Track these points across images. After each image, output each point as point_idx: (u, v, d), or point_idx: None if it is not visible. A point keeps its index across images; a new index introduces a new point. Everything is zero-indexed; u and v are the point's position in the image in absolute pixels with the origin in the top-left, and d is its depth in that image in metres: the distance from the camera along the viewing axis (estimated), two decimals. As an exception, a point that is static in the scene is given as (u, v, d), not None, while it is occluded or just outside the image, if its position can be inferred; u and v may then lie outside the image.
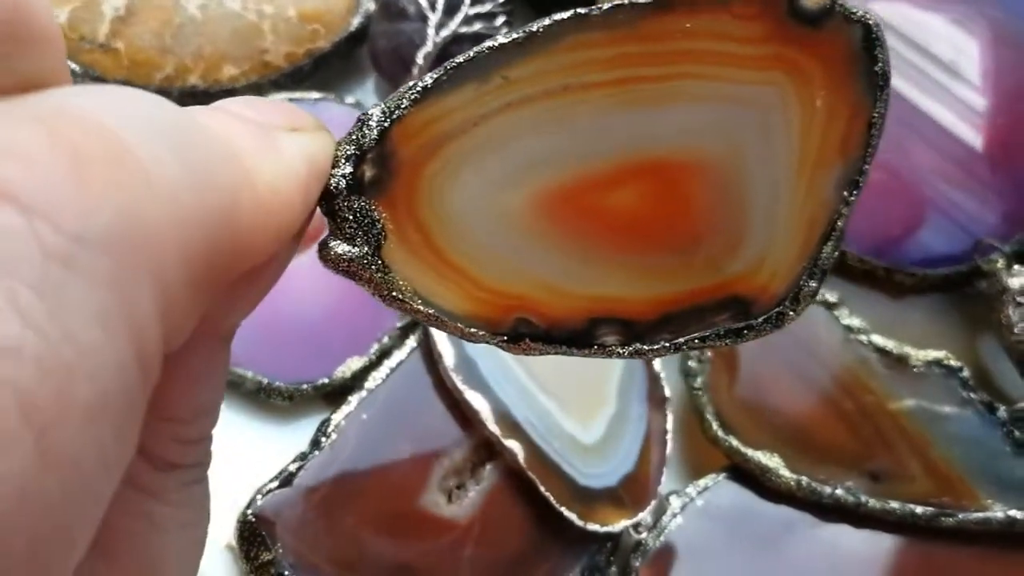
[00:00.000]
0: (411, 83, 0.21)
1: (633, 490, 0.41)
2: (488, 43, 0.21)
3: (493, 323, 0.22)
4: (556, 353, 0.22)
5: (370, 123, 0.21)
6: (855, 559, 0.42)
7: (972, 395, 0.45)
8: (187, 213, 0.16)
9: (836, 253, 0.22)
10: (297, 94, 0.46)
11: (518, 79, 0.21)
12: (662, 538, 0.41)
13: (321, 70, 0.48)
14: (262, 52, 0.47)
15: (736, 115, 0.22)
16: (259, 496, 0.38)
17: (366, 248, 0.21)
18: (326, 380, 0.43)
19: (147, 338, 0.15)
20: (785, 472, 0.42)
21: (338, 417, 0.40)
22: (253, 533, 0.37)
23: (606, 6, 0.21)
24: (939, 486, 0.43)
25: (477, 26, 0.46)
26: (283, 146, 0.19)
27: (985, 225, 0.47)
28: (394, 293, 0.21)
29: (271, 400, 0.43)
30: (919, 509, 0.42)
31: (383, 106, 0.21)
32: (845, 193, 0.22)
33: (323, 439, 0.40)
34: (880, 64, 0.22)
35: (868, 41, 0.22)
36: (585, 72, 0.22)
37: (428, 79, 0.21)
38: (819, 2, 0.21)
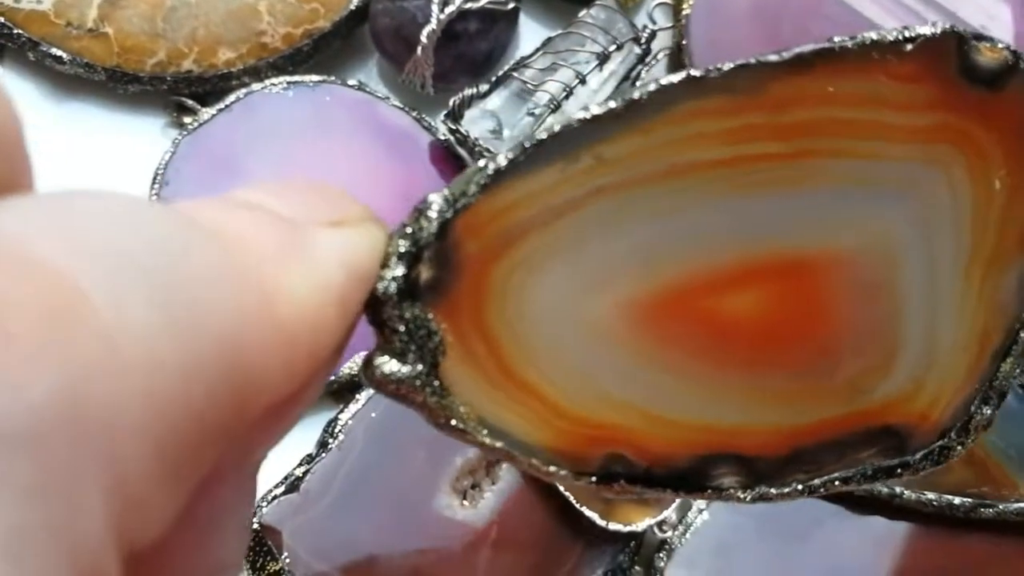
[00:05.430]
0: (481, 164, 0.17)
1: (656, 487, 0.39)
2: (578, 115, 0.17)
3: (578, 460, 0.18)
4: (659, 496, 0.19)
5: (429, 213, 0.17)
6: (889, 553, 0.41)
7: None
8: (164, 371, 0.12)
9: (1017, 371, 0.18)
10: (297, 77, 0.45)
11: (614, 159, 0.17)
12: (688, 535, 0.39)
13: (321, 51, 0.46)
14: (259, 34, 0.45)
15: (887, 201, 0.18)
16: (263, 504, 0.36)
17: (420, 366, 0.17)
18: (332, 377, 0.41)
19: (94, 555, 0.11)
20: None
21: (346, 416, 0.39)
22: (259, 543, 0.36)
23: (727, 66, 0.17)
24: (977, 475, 0.41)
25: (483, 0, 0.44)
26: (317, 248, 0.15)
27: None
28: (453, 422, 0.17)
29: (276, 399, 0.41)
30: (957, 500, 0.40)
31: (446, 192, 0.17)
32: None
33: (330, 440, 0.38)
34: None
35: None
36: (696, 149, 0.18)
37: (502, 159, 0.17)
38: (999, 58, 0.17)
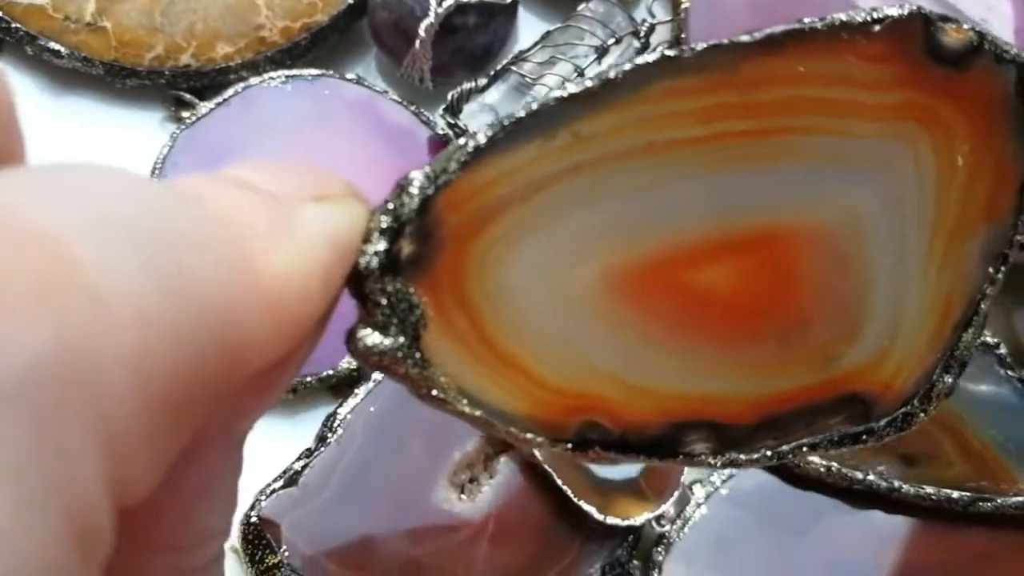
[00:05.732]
0: (461, 142, 0.18)
1: (654, 480, 0.39)
2: (555, 93, 0.18)
3: (555, 427, 0.18)
4: (632, 462, 0.19)
5: (410, 189, 0.17)
6: (889, 547, 0.41)
7: (1010, 373, 0.43)
8: (152, 332, 0.12)
9: (978, 340, 0.19)
10: (295, 71, 0.45)
11: (591, 136, 0.18)
12: (686, 530, 0.39)
13: (319, 45, 0.46)
14: (257, 28, 0.45)
15: (857, 176, 0.18)
16: (262, 497, 0.36)
17: (401, 338, 0.17)
18: (331, 371, 0.41)
19: (87, 505, 0.12)
20: (814, 457, 0.40)
21: (344, 411, 0.39)
22: (257, 536, 0.36)
23: (701, 46, 0.18)
24: (976, 469, 0.41)
25: (482, -6, 0.44)
26: (301, 223, 0.16)
27: (1020, 192, 0.45)
28: (434, 392, 0.18)
29: (274, 393, 0.41)
30: (955, 494, 0.40)
31: (427, 169, 0.18)
32: (990, 268, 0.18)
33: (329, 435, 0.38)
34: None
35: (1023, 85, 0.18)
36: (672, 127, 0.18)
37: (481, 136, 0.18)
38: (963, 38, 0.18)
